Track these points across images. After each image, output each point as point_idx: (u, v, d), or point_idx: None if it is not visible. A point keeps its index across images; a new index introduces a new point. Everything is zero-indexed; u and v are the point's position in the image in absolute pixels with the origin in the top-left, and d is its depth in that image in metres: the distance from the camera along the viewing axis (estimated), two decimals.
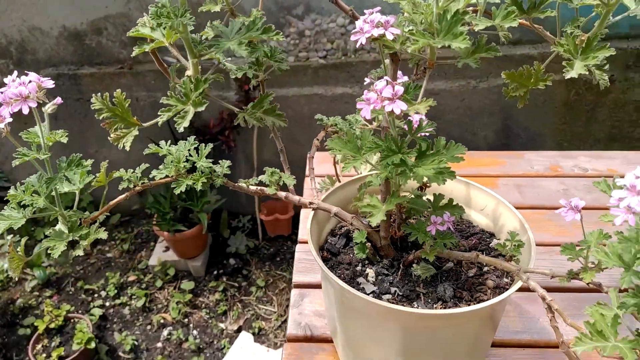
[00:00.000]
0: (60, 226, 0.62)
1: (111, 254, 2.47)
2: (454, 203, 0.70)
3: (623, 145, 2.33)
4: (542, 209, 1.16)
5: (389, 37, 0.53)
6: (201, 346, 2.10)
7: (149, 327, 2.17)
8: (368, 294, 0.69)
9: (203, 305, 2.26)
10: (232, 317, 2.21)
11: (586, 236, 0.58)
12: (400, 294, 0.70)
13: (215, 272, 2.38)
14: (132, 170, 0.66)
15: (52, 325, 1.98)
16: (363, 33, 0.54)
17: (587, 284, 0.57)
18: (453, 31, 0.49)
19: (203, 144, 0.67)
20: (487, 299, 0.67)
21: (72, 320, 2.06)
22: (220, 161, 0.71)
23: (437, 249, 0.67)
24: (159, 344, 2.11)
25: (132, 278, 2.34)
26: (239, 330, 2.15)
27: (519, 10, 0.65)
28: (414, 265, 0.73)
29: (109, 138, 0.55)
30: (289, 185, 0.78)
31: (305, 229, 0.76)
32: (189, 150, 0.67)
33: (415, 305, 0.68)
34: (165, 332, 2.14)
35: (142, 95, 2.20)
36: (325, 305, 0.87)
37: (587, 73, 0.62)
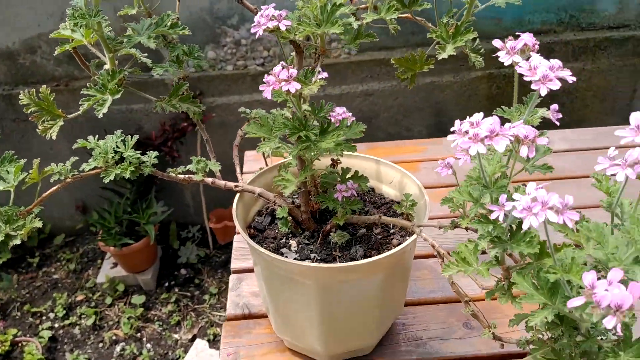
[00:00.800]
0: None
1: (57, 275, 2.43)
2: (359, 174, 0.79)
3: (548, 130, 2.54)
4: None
5: (282, 28, 0.62)
6: (155, 358, 2.10)
7: (100, 344, 2.15)
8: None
9: (155, 318, 2.26)
10: (185, 326, 2.23)
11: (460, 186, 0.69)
12: (319, 258, 0.78)
13: (166, 284, 2.39)
14: (62, 163, 0.72)
15: None
16: (260, 26, 0.63)
17: (465, 228, 0.68)
18: (331, 20, 0.59)
19: (129, 136, 0.74)
20: None
21: (19, 344, 2.02)
22: (147, 152, 0.78)
23: (346, 214, 0.76)
24: None
25: (80, 297, 2.32)
26: (193, 339, 2.18)
27: (401, 5, 0.76)
28: (332, 233, 0.82)
29: (37, 130, 0.61)
30: (215, 171, 0.85)
31: (233, 209, 0.84)
32: (116, 142, 0.73)
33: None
34: (118, 348, 2.13)
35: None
36: (257, 283, 0.94)
37: (454, 54, 0.73)
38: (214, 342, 2.15)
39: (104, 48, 0.58)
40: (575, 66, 2.31)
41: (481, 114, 0.47)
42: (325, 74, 0.98)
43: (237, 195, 0.84)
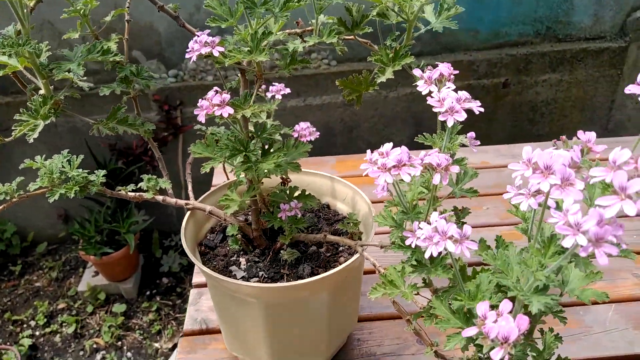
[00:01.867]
0: None
1: (39, 283, 2.43)
2: (307, 193, 0.80)
3: (525, 142, 2.55)
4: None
5: (215, 54, 0.63)
6: None
7: (81, 352, 2.15)
8: (238, 279, 0.78)
9: (136, 326, 2.27)
10: (166, 335, 2.23)
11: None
12: (266, 276, 0.79)
13: (148, 293, 2.40)
14: (8, 183, 0.73)
15: None
16: (194, 52, 0.64)
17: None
18: (259, 47, 0.60)
19: (75, 157, 0.75)
20: None
21: None
22: (95, 171, 0.79)
23: (292, 233, 0.77)
24: None
25: (62, 305, 2.32)
26: (174, 348, 2.18)
27: (344, 28, 0.77)
28: (282, 251, 0.83)
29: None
30: (167, 189, 0.86)
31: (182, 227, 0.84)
32: (62, 162, 0.74)
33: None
34: (98, 357, 2.14)
35: (60, 121, 2.22)
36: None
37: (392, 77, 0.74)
38: None
39: (37, 74, 0.59)
40: (553, 77, 2.33)
41: (390, 144, 0.48)
42: (287, 90, 0.99)
43: (188, 213, 0.85)
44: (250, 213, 0.86)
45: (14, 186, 0.72)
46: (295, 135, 1.04)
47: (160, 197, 0.85)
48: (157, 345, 2.19)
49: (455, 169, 0.49)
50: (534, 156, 0.40)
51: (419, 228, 0.46)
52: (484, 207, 1.28)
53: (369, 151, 0.49)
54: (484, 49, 2.26)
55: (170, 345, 2.19)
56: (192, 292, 1.05)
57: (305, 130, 1.06)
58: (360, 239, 0.80)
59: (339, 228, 0.81)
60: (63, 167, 0.74)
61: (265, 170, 0.70)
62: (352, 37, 0.78)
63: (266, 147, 0.72)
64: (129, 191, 0.83)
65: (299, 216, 0.77)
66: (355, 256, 0.74)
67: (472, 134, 0.58)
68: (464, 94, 0.49)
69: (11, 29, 0.58)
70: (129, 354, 2.15)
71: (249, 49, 0.62)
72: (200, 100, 0.64)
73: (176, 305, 2.36)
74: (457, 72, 0.53)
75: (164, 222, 2.51)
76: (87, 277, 2.36)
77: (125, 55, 0.84)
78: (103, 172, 0.79)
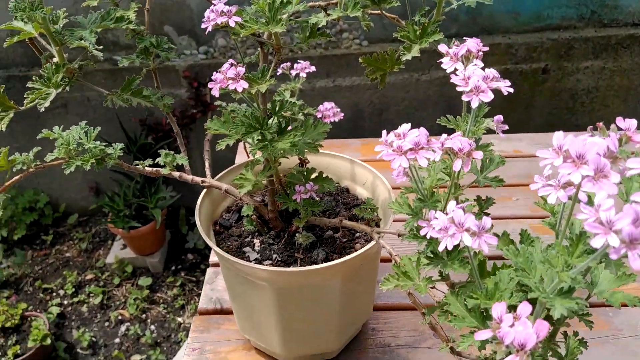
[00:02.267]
0: None
1: (69, 254, 2.50)
2: (324, 176, 0.77)
3: (563, 131, 2.44)
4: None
5: (232, 24, 0.60)
6: (158, 340, 2.15)
7: (107, 323, 2.21)
8: (251, 261, 0.77)
9: (161, 300, 2.31)
10: (189, 310, 2.26)
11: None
12: (280, 259, 0.77)
13: (173, 268, 2.43)
14: (26, 153, 0.73)
15: (8, 324, 2.02)
16: (210, 21, 0.61)
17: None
18: (277, 18, 0.57)
19: (92, 128, 0.74)
20: None
21: (28, 319, 2.10)
22: (113, 144, 0.78)
23: (307, 216, 0.75)
24: (117, 340, 2.15)
25: (90, 276, 2.38)
26: None
27: (370, 2, 0.73)
28: (297, 234, 0.81)
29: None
30: (185, 165, 0.85)
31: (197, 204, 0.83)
32: (79, 134, 0.73)
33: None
34: (123, 328, 2.19)
35: (92, 95, 2.25)
36: None
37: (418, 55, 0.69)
38: None
39: (50, 41, 0.57)
40: (595, 64, 2.21)
41: (408, 125, 0.45)
42: (312, 68, 0.96)
43: (204, 191, 0.84)
44: (266, 194, 0.84)
45: (30, 156, 0.72)
46: (319, 115, 1.01)
47: (177, 174, 0.83)
48: (179, 319, 2.23)
49: (478, 154, 0.45)
50: (565, 143, 0.36)
51: (435, 218, 0.43)
52: (514, 198, 1.22)
53: (384, 132, 0.46)
54: (523, 32, 2.15)
55: (192, 320, 2.22)
56: (209, 271, 1.04)
57: (330, 110, 1.03)
58: (378, 225, 0.77)
59: (356, 213, 0.78)
60: (80, 138, 0.73)
61: (281, 150, 0.67)
62: (378, 11, 0.74)
63: (283, 125, 0.70)
64: (146, 166, 0.82)
65: (315, 199, 0.74)
66: (371, 243, 0.71)
67: (499, 117, 0.54)
68: (491, 71, 0.44)
69: None
70: (152, 327, 2.20)
71: (266, 19, 0.58)
72: (214, 73, 0.61)
73: (200, 281, 2.39)
74: (486, 49, 0.49)
75: (191, 199, 2.53)
76: (116, 250, 2.41)
77: (146, 25, 0.82)
78: (120, 145, 0.78)
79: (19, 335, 2.03)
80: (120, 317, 2.22)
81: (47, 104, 0.56)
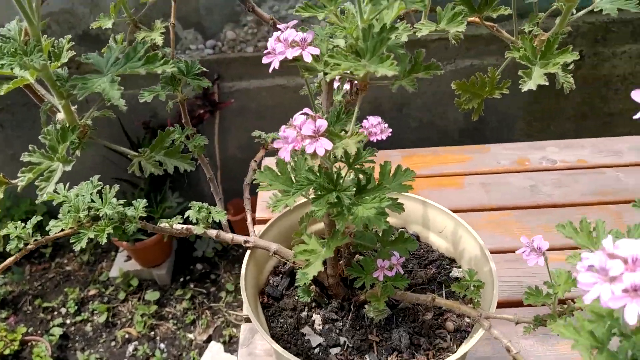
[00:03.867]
0: None
1: (70, 267, 2.33)
2: (405, 236, 0.60)
3: (595, 121, 2.28)
4: (509, 209, 1.09)
5: (307, 58, 0.43)
6: None
7: (113, 343, 2.06)
8: (314, 348, 0.60)
9: (170, 315, 2.15)
10: (200, 326, 2.11)
11: (552, 278, 0.50)
12: (351, 345, 0.61)
13: (181, 280, 2.27)
14: (22, 224, 0.55)
15: (7, 352, 1.86)
16: (275, 54, 0.44)
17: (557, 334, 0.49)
18: (378, 53, 0.39)
19: (107, 186, 0.57)
20: (447, 346, 0.58)
21: (29, 344, 1.94)
22: (133, 202, 0.61)
23: (386, 293, 0.58)
24: None
25: (93, 292, 2.22)
26: (208, 340, 2.06)
27: (468, 8, 0.55)
28: (367, 306, 0.64)
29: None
30: (222, 221, 0.68)
31: (242, 270, 0.66)
32: (91, 194, 0.56)
33: (368, 359, 0.59)
34: (130, 348, 2.04)
35: (91, 97, 2.05)
36: None
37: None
38: (230, 344, 2.03)
39: (54, 93, 0.39)
40: (634, 48, 2.05)
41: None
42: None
43: (248, 253, 0.67)
44: None
45: (29, 229, 0.54)
46: (365, 132, 0.84)
47: (213, 232, 0.66)
48: (191, 336, 2.08)
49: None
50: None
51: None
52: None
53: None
54: (558, 14, 1.97)
55: (204, 337, 2.07)
56: (243, 329, 0.88)
57: (377, 127, 0.85)
58: (471, 301, 0.60)
59: (452, 289, 0.60)
60: (92, 201, 0.56)
61: (364, 219, 0.50)
62: (476, 19, 0.57)
63: (363, 183, 0.52)
64: (176, 223, 0.65)
65: (401, 273, 0.57)
66: (479, 333, 0.54)
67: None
68: None
69: (14, 26, 0.38)
70: (162, 345, 2.05)
71: (355, 53, 0.41)
72: (283, 128, 0.44)
73: (210, 293, 2.23)
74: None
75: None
76: (120, 262, 2.25)
77: (172, 46, 0.64)
78: (143, 202, 0.61)
79: None
80: (127, 336, 2.07)
81: (51, 187, 0.39)
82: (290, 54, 0.42)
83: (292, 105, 0.73)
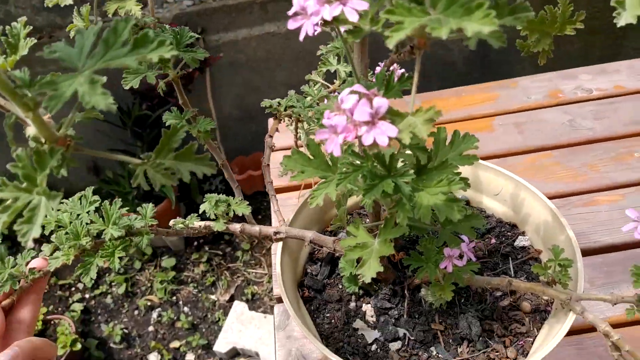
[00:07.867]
0: None
1: None
2: (469, 212, 0.51)
3: (606, 36, 2.11)
4: (548, 150, 0.98)
5: (352, 17, 0.31)
6: (195, 322, 1.99)
7: (136, 312, 2.04)
8: (370, 344, 0.53)
9: (189, 279, 2.12)
10: (222, 287, 2.08)
11: None
12: (412, 338, 0.53)
13: (195, 243, 2.22)
14: (12, 258, 0.46)
15: None
16: (308, 16, 0.32)
17: None
18: (462, 1, 0.28)
19: (107, 202, 0.47)
20: (526, 331, 0.51)
21: (52, 323, 1.91)
22: (139, 208, 0.51)
23: (451, 280, 0.50)
24: (150, 328, 2.00)
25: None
26: (231, 300, 2.04)
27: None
28: (423, 289, 0.56)
29: None
30: (245, 214, 0.58)
31: (276, 265, 0.58)
32: (87, 212, 0.46)
33: (434, 353, 0.52)
34: (154, 315, 2.02)
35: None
36: None
37: None
38: (253, 302, 2.01)
39: (17, 107, 0.28)
40: None
41: None
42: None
43: (280, 245, 0.58)
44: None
45: (22, 266, 0.45)
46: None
47: (237, 226, 0.57)
48: (213, 297, 2.06)
49: None
50: None
51: None
52: (636, 154, 0.96)
53: None
54: None
55: (227, 297, 2.05)
56: (277, 310, 0.81)
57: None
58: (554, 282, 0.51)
59: (532, 270, 0.52)
60: (93, 221, 0.46)
61: (428, 208, 0.41)
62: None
63: (423, 162, 0.42)
64: (191, 224, 0.55)
65: (472, 259, 0.48)
66: (570, 317, 0.46)
67: None
68: None
69: None
70: (185, 309, 2.03)
71: (416, 1, 0.29)
72: (327, 114, 0.33)
73: (226, 253, 2.19)
74: None
75: None
76: None
77: (151, 11, 0.52)
78: (150, 207, 0.51)
79: None
80: (149, 304, 2.05)
81: (36, 231, 0.28)
82: (329, 12, 0.31)
83: (285, 55, 0.62)
